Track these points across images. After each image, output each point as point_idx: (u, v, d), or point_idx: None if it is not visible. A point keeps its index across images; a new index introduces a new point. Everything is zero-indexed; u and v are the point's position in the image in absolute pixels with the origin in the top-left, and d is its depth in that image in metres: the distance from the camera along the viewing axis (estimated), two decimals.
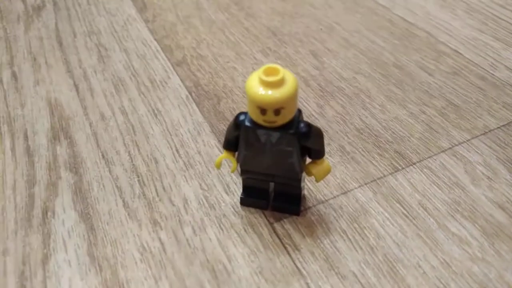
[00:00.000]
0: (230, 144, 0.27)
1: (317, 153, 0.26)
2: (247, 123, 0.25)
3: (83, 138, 0.36)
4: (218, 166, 0.28)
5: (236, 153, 0.27)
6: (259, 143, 0.25)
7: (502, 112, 0.36)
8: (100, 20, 0.51)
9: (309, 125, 0.25)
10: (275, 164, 0.26)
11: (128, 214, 0.30)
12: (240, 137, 0.26)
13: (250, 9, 0.51)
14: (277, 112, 0.23)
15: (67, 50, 0.46)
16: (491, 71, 0.40)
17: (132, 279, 0.26)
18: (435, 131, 0.35)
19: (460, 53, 0.43)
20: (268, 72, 0.22)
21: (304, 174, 0.28)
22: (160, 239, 0.28)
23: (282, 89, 0.22)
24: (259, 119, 0.23)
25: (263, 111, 0.23)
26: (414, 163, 0.32)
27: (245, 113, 0.26)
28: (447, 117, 0.36)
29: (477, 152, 0.33)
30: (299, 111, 0.25)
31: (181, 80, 0.41)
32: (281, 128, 0.24)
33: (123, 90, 0.40)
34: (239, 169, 0.28)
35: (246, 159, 0.27)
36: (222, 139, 0.35)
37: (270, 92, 0.22)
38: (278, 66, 0.23)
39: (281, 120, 0.23)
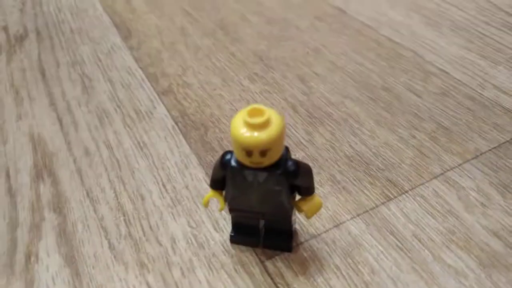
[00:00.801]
0: (217, 184, 0.26)
1: (307, 190, 0.25)
2: (233, 163, 0.24)
3: (67, 175, 0.35)
4: (206, 205, 0.27)
5: (224, 191, 0.27)
6: (247, 183, 0.24)
7: (493, 134, 0.36)
8: (84, 49, 0.50)
9: (297, 164, 0.24)
10: (264, 202, 0.25)
11: (114, 257, 0.29)
12: (227, 176, 0.25)
13: (235, 34, 0.51)
14: (263, 153, 0.22)
15: (50, 81, 0.45)
16: (479, 91, 0.40)
17: None
18: (426, 156, 0.34)
19: (448, 73, 0.43)
20: (253, 113, 0.22)
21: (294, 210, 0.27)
22: (147, 283, 0.27)
23: (267, 130, 0.22)
24: (245, 160, 0.23)
25: (249, 153, 0.22)
26: (407, 191, 0.32)
27: (231, 152, 0.25)
28: (437, 141, 0.36)
29: (469, 177, 0.33)
30: (287, 148, 0.24)
31: (167, 109, 0.41)
32: (269, 168, 0.23)
33: (108, 122, 0.39)
34: (227, 207, 0.27)
35: (234, 198, 0.26)
36: (210, 171, 0.34)
37: (255, 134, 0.21)
38: (263, 107, 0.22)
39: (268, 161, 0.23)
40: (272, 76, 0.44)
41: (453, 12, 0.52)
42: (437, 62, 0.44)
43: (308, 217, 0.27)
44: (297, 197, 0.27)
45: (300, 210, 0.26)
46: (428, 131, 0.37)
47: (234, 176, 0.24)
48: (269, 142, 0.21)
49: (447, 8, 0.53)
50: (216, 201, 0.32)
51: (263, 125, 0.21)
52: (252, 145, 0.21)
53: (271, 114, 0.22)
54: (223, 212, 0.31)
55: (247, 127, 0.22)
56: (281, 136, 0.22)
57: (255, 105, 0.22)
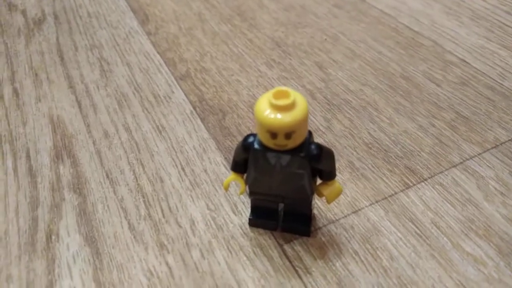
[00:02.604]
0: (239, 166, 0.26)
1: (329, 175, 0.25)
2: (256, 146, 0.24)
3: (87, 157, 0.35)
4: (226, 188, 0.27)
5: (245, 174, 0.27)
6: (269, 166, 0.24)
7: None
8: (101, 33, 0.50)
9: (320, 147, 0.24)
10: (285, 186, 0.26)
11: (134, 237, 0.29)
12: (249, 159, 0.25)
13: (253, 20, 0.51)
14: (288, 136, 0.22)
15: (68, 64, 0.45)
16: (499, 81, 0.40)
17: None
18: (445, 144, 0.34)
19: (468, 62, 0.42)
20: (278, 95, 0.22)
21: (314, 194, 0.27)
22: (167, 263, 0.28)
23: (293, 112, 0.22)
24: (269, 142, 0.23)
25: (273, 135, 0.22)
26: (426, 179, 0.32)
27: (253, 135, 0.25)
28: (457, 130, 0.35)
29: (489, 166, 0.32)
30: (310, 132, 0.24)
31: (185, 94, 0.41)
32: (292, 151, 0.24)
33: (126, 106, 0.40)
34: (247, 190, 0.28)
35: (255, 181, 0.26)
36: (229, 156, 0.34)
37: (281, 116, 0.21)
38: (289, 89, 0.22)
39: (292, 143, 0.23)
40: (289, 62, 0.44)
41: (474, 1, 0.51)
42: (456, 51, 0.44)
43: (328, 202, 0.27)
44: (318, 182, 0.27)
45: (320, 195, 0.27)
46: (447, 120, 0.36)
47: (256, 159, 0.25)
48: (294, 124, 0.22)
49: None
50: (236, 185, 0.32)
51: (289, 107, 0.21)
52: (277, 127, 0.22)
53: (296, 96, 0.22)
54: (241, 196, 0.31)
55: (272, 109, 0.22)
56: (306, 118, 0.22)
57: (281, 87, 0.22)
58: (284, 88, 0.22)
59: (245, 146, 0.25)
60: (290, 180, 0.25)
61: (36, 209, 0.31)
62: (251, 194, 0.27)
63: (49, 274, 0.28)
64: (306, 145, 0.24)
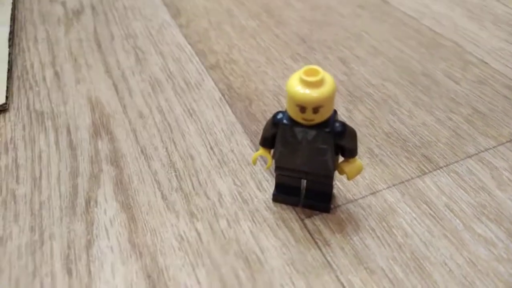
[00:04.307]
0: (267, 142, 0.28)
1: (351, 152, 0.27)
2: (285, 121, 0.26)
3: (123, 134, 0.38)
4: (254, 162, 0.30)
5: (272, 150, 0.29)
6: (296, 141, 0.27)
7: None
8: (136, 25, 0.53)
9: (344, 125, 0.26)
10: (309, 161, 0.28)
11: (167, 206, 0.32)
12: (277, 134, 0.27)
13: (280, 17, 0.53)
14: (315, 110, 0.24)
15: (105, 52, 0.48)
16: None
17: (171, 265, 0.28)
18: (462, 137, 0.36)
19: (487, 63, 0.44)
20: (309, 73, 0.24)
21: (335, 173, 0.29)
22: (196, 229, 0.30)
23: (321, 88, 0.24)
24: (298, 117, 0.25)
25: (302, 109, 0.24)
26: (441, 167, 0.33)
27: (282, 112, 0.27)
28: (473, 124, 0.37)
29: (503, 158, 0.34)
30: (335, 111, 0.27)
31: (214, 82, 0.43)
32: (318, 127, 0.26)
33: (160, 90, 0.42)
34: (273, 166, 0.30)
35: (282, 156, 0.28)
36: (254, 139, 0.36)
37: (310, 91, 0.24)
38: (318, 67, 0.24)
39: (319, 118, 0.25)
40: (314, 57, 0.46)
41: (496, 6, 0.53)
42: (477, 52, 0.45)
43: (348, 178, 0.29)
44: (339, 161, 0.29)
45: (342, 172, 0.29)
46: (464, 115, 0.38)
47: (284, 134, 0.27)
48: (322, 99, 0.24)
49: (490, 2, 0.54)
50: (262, 164, 0.34)
51: (318, 84, 0.24)
52: (307, 101, 0.24)
53: (325, 75, 0.24)
54: (265, 174, 0.33)
55: (302, 84, 0.24)
56: (332, 94, 0.24)
57: (311, 66, 0.24)
58: (314, 66, 0.24)
59: (274, 122, 0.27)
60: (315, 155, 0.27)
61: (76, 178, 0.34)
62: (277, 169, 0.29)
63: (88, 235, 0.30)
64: (332, 122, 0.26)
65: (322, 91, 0.24)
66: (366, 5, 0.54)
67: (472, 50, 0.46)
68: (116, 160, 0.35)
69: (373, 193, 0.32)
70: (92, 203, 0.32)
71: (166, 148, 0.36)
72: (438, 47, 0.46)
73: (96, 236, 0.30)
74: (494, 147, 0.35)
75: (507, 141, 0.35)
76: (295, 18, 0.53)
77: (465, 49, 0.46)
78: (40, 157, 0.36)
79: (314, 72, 0.24)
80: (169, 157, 0.35)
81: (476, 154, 0.34)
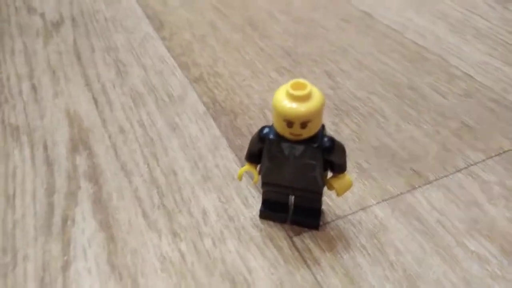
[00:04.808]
0: (253, 157, 0.27)
1: (340, 167, 0.26)
2: (271, 136, 0.25)
3: (103, 150, 0.36)
4: (240, 177, 0.28)
5: (258, 165, 0.28)
6: (283, 156, 0.26)
7: None
8: (117, 37, 0.52)
9: (332, 140, 0.25)
10: (297, 177, 0.27)
11: (148, 225, 0.30)
12: (264, 149, 0.26)
13: (264, 30, 0.53)
14: (303, 125, 0.23)
15: (85, 64, 0.47)
16: (503, 95, 0.41)
17: (153, 287, 0.26)
18: (451, 150, 0.35)
19: (472, 76, 0.44)
20: (296, 87, 0.23)
21: (323, 189, 0.28)
22: (180, 249, 0.28)
23: (309, 103, 0.23)
24: (285, 132, 0.24)
25: (289, 124, 0.23)
26: (431, 182, 0.33)
27: (269, 127, 0.26)
28: (461, 138, 0.37)
29: (492, 172, 0.33)
30: (323, 126, 0.26)
31: (198, 96, 0.42)
32: (306, 142, 0.25)
33: (141, 104, 0.41)
34: (260, 181, 0.29)
35: (269, 171, 0.27)
36: (240, 154, 0.35)
37: (297, 105, 0.23)
38: (306, 81, 0.23)
39: (307, 133, 0.24)
40: (299, 70, 0.45)
41: (477, 20, 0.53)
42: (461, 66, 0.45)
43: (338, 194, 0.28)
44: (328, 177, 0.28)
45: (331, 188, 0.28)
46: (452, 128, 0.38)
47: (271, 149, 0.26)
48: (310, 113, 0.23)
49: (471, 17, 0.54)
50: (247, 180, 0.33)
51: (305, 98, 0.23)
52: (294, 116, 0.23)
53: (313, 88, 0.23)
54: (252, 190, 0.32)
55: (289, 98, 0.23)
56: (321, 109, 0.23)
57: (298, 79, 0.23)
58: (301, 80, 0.23)
59: (261, 136, 0.26)
60: (303, 171, 0.26)
61: (52, 196, 0.32)
62: (264, 184, 0.28)
63: (65, 256, 0.28)
64: (320, 137, 0.25)
65: (310, 106, 0.23)
66: (350, 19, 0.54)
67: (456, 63, 0.46)
68: (95, 176, 0.34)
69: (363, 209, 0.31)
70: (69, 222, 0.30)
71: (148, 164, 0.35)
72: (423, 60, 0.46)
73: (73, 257, 0.28)
74: (483, 161, 0.34)
75: (495, 155, 0.35)
76: (279, 31, 0.52)
77: (450, 62, 0.46)
78: (14, 173, 0.34)
79: (301, 86, 0.23)
80: (151, 173, 0.34)
81: (466, 167, 0.34)
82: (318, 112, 0.23)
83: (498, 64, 0.45)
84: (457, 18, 0.54)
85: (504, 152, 0.35)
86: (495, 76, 0.44)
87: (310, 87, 0.24)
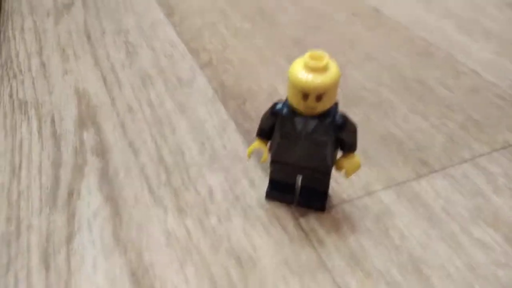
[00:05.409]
0: (264, 133, 0.27)
1: (350, 146, 0.27)
2: (284, 111, 0.25)
3: (110, 127, 0.36)
4: (250, 154, 0.28)
5: (269, 142, 0.28)
6: (295, 132, 0.26)
7: None
8: (128, 20, 0.52)
9: (345, 117, 0.25)
10: (307, 155, 0.27)
11: (154, 200, 0.30)
12: (276, 125, 0.26)
13: (274, 20, 0.53)
14: (319, 98, 0.23)
15: (95, 44, 0.47)
16: (509, 91, 0.41)
17: (157, 262, 0.26)
18: (457, 142, 0.36)
19: (479, 73, 0.44)
20: (313, 57, 0.23)
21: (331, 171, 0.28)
22: (185, 225, 0.29)
23: (326, 75, 0.23)
24: (299, 105, 0.24)
25: (305, 96, 0.23)
26: (437, 171, 0.33)
27: (282, 102, 0.26)
28: (468, 131, 0.37)
29: (497, 164, 0.34)
30: (336, 104, 0.26)
31: (207, 80, 0.42)
32: (318, 117, 0.25)
33: (151, 85, 0.41)
34: (269, 159, 0.29)
35: (279, 148, 0.27)
36: (248, 137, 0.35)
37: (314, 77, 0.23)
38: (323, 53, 0.23)
39: (321, 107, 0.24)
40: None
41: (485, 21, 0.54)
42: (468, 63, 0.46)
43: (347, 175, 0.28)
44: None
45: (340, 168, 0.28)
46: (458, 121, 0.38)
47: (283, 124, 0.26)
48: (327, 85, 0.23)
49: (480, 17, 0.54)
50: (255, 159, 0.33)
51: (323, 69, 0.23)
52: (311, 87, 0.23)
53: (330, 61, 0.23)
54: (259, 171, 0.32)
55: (306, 70, 0.23)
56: (337, 82, 0.23)
57: (316, 51, 0.23)
58: (319, 51, 0.23)
59: (273, 111, 0.26)
60: (314, 148, 0.26)
61: (59, 169, 0.32)
62: (273, 162, 0.28)
63: (69, 227, 0.28)
64: (333, 113, 0.25)
65: (327, 77, 0.23)
66: (360, 13, 0.55)
67: (463, 60, 0.46)
68: (102, 152, 0.34)
69: (368, 194, 0.31)
70: (74, 195, 0.30)
71: (156, 142, 0.35)
72: (430, 56, 0.47)
73: (78, 229, 0.28)
74: (488, 153, 0.35)
75: (501, 148, 0.35)
76: (289, 21, 0.52)
77: (457, 59, 0.46)
78: (21, 145, 0.34)
79: (319, 57, 0.23)
80: (158, 152, 0.34)
81: (471, 159, 0.34)
82: (334, 85, 0.23)
83: (504, 63, 0.46)
84: (465, 18, 0.54)
85: (509, 145, 0.35)
86: (502, 74, 0.44)
87: (328, 59, 0.23)
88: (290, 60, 0.45)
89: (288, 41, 0.49)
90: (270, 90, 0.41)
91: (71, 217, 0.29)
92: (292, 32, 0.50)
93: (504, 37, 0.50)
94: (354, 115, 0.38)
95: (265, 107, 0.39)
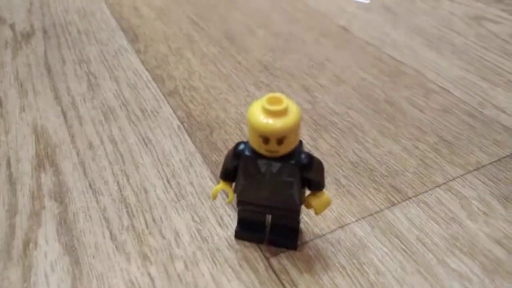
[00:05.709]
0: (228, 175, 0.26)
1: (318, 185, 0.25)
2: (247, 153, 0.24)
3: (70, 167, 0.34)
4: (215, 196, 0.27)
5: (234, 183, 0.26)
6: (259, 174, 0.24)
7: (493, 149, 0.37)
8: (90, 49, 0.50)
9: (310, 156, 0.24)
10: (274, 195, 0.25)
11: (116, 247, 0.28)
12: (239, 167, 0.25)
13: (241, 44, 0.52)
14: (280, 141, 0.22)
15: (55, 77, 0.45)
16: (479, 109, 0.41)
17: None
18: (429, 166, 0.35)
19: (449, 91, 0.44)
20: (272, 101, 0.22)
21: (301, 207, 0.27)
22: (149, 274, 0.27)
23: (286, 118, 0.22)
24: (261, 148, 0.23)
25: (265, 140, 0.22)
26: (410, 198, 0.32)
27: (244, 143, 0.25)
28: (440, 153, 0.36)
29: (471, 187, 0.33)
30: (300, 142, 0.25)
31: (172, 110, 0.41)
32: (283, 159, 0.24)
33: (113, 118, 0.39)
34: (235, 200, 0.27)
35: (244, 189, 0.26)
36: (215, 170, 0.34)
37: (274, 121, 0.22)
38: (282, 95, 0.22)
39: (284, 149, 0.23)
40: (277, 84, 0.45)
41: (454, 37, 0.54)
42: (438, 80, 0.45)
43: (317, 213, 0.27)
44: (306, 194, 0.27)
45: (309, 206, 0.26)
46: (430, 143, 0.37)
47: (247, 166, 0.24)
48: (287, 129, 0.22)
49: (448, 33, 0.55)
50: (223, 198, 0.31)
51: (282, 113, 0.22)
52: (270, 131, 0.22)
53: (289, 103, 0.22)
54: (227, 209, 0.31)
55: (265, 114, 0.22)
56: (298, 124, 0.22)
57: (274, 94, 0.22)
58: (277, 94, 0.22)
59: (236, 153, 0.25)
60: (280, 189, 0.25)
61: (14, 217, 0.30)
62: (239, 203, 0.27)
63: (25, 283, 0.26)
64: (297, 153, 0.24)
65: (287, 121, 0.22)
66: (328, 33, 0.54)
67: (433, 78, 0.46)
68: (60, 196, 0.32)
69: (341, 227, 0.30)
70: (31, 245, 0.29)
71: (117, 182, 0.33)
72: (400, 75, 0.46)
73: (34, 284, 0.26)
74: (461, 176, 0.34)
75: (474, 170, 0.35)
76: (257, 44, 0.52)
77: (427, 77, 0.46)
78: None
79: (277, 101, 0.22)
80: (121, 192, 0.32)
81: (445, 183, 0.33)
82: (295, 128, 0.22)
83: (474, 79, 0.46)
84: (433, 34, 0.54)
85: (482, 166, 0.35)
86: (472, 91, 0.44)
87: (287, 102, 0.23)
88: (259, 86, 0.44)
89: (256, 65, 0.48)
90: (238, 118, 0.40)
91: (27, 270, 0.27)
92: (260, 56, 0.49)
93: (472, 53, 0.50)
94: (324, 142, 0.37)
95: (232, 137, 0.38)
